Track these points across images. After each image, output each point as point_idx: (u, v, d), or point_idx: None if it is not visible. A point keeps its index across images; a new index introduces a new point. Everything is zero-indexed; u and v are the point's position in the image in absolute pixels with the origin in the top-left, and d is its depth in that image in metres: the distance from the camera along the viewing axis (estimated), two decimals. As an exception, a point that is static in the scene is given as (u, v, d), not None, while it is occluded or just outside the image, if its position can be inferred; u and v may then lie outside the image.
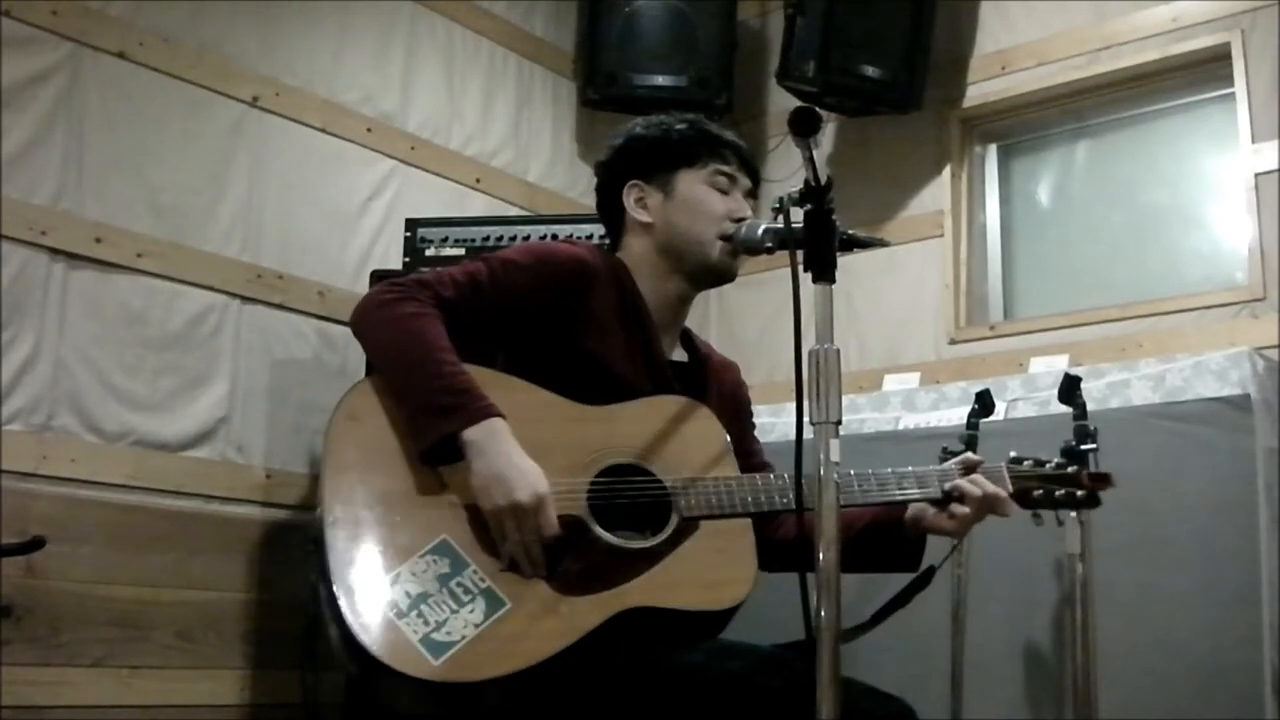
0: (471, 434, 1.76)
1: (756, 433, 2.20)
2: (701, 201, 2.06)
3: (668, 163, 2.09)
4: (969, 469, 1.95)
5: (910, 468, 1.94)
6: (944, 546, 1.99)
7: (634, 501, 1.84)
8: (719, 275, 2.09)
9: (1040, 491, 1.98)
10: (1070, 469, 2.02)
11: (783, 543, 2.00)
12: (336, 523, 1.71)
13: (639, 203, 2.10)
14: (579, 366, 1.93)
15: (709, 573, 1.81)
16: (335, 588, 1.65)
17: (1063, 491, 1.99)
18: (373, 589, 1.66)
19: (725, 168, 2.08)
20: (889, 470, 1.93)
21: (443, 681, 1.63)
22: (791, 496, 1.84)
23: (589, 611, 1.72)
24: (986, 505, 1.90)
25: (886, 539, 1.97)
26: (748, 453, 2.10)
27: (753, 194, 2.12)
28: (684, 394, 2.00)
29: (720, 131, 2.12)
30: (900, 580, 1.96)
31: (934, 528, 1.94)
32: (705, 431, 1.95)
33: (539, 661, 1.67)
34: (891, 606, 1.94)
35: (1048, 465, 2.01)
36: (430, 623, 1.66)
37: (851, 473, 1.90)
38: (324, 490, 1.74)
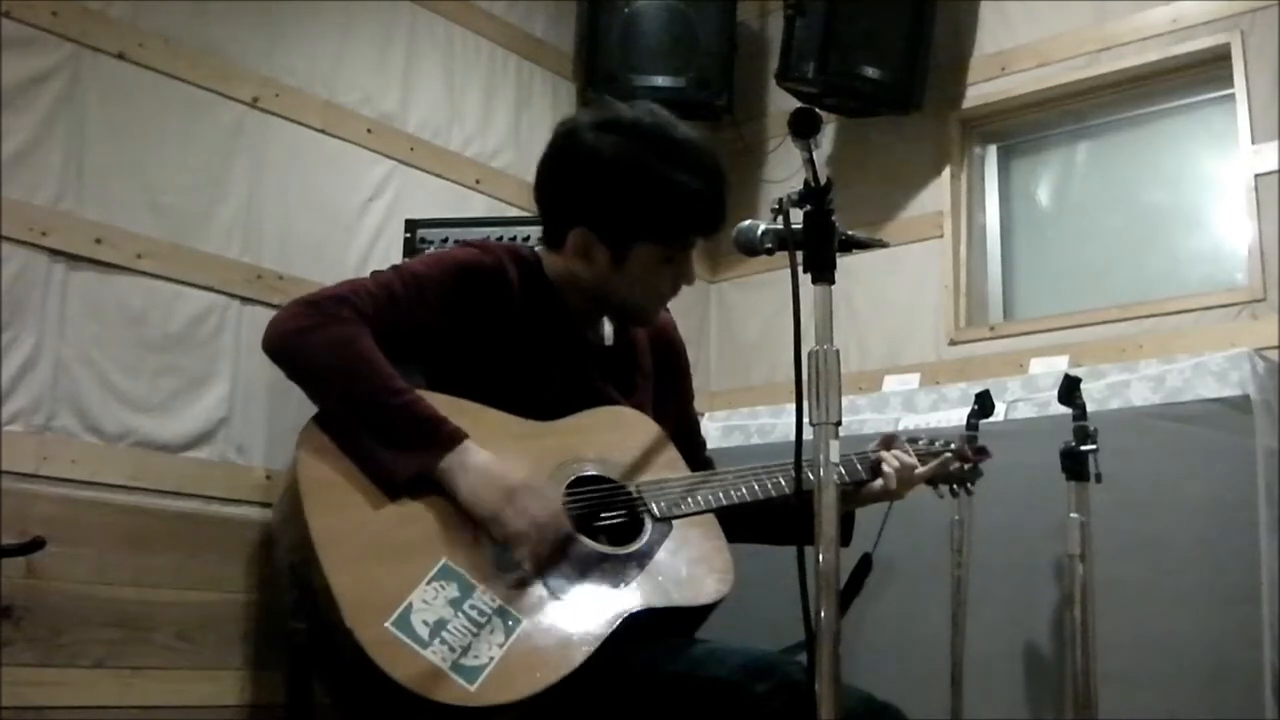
0: (447, 463, 1.75)
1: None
2: (652, 277, 1.96)
3: (633, 231, 1.92)
4: (887, 444, 2.16)
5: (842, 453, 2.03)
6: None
7: (609, 510, 1.86)
8: (639, 324, 2.09)
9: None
10: (954, 446, 2.28)
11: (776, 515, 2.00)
12: (335, 566, 1.68)
13: (579, 251, 1.95)
14: (501, 373, 1.91)
15: (694, 568, 1.85)
16: (354, 631, 1.63)
17: (955, 465, 2.26)
18: (390, 624, 1.64)
19: (692, 241, 1.97)
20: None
21: (485, 706, 1.61)
22: (752, 489, 1.96)
23: (598, 619, 1.73)
24: (906, 470, 2.11)
25: None
26: (689, 431, 2.12)
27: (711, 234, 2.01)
28: (613, 379, 2.00)
29: (717, 210, 1.94)
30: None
31: (868, 496, 2.10)
32: (647, 435, 1.98)
33: (569, 673, 1.67)
34: (847, 596, 2.07)
35: (936, 443, 2.28)
36: (455, 649, 1.64)
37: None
38: (313, 535, 1.70)
